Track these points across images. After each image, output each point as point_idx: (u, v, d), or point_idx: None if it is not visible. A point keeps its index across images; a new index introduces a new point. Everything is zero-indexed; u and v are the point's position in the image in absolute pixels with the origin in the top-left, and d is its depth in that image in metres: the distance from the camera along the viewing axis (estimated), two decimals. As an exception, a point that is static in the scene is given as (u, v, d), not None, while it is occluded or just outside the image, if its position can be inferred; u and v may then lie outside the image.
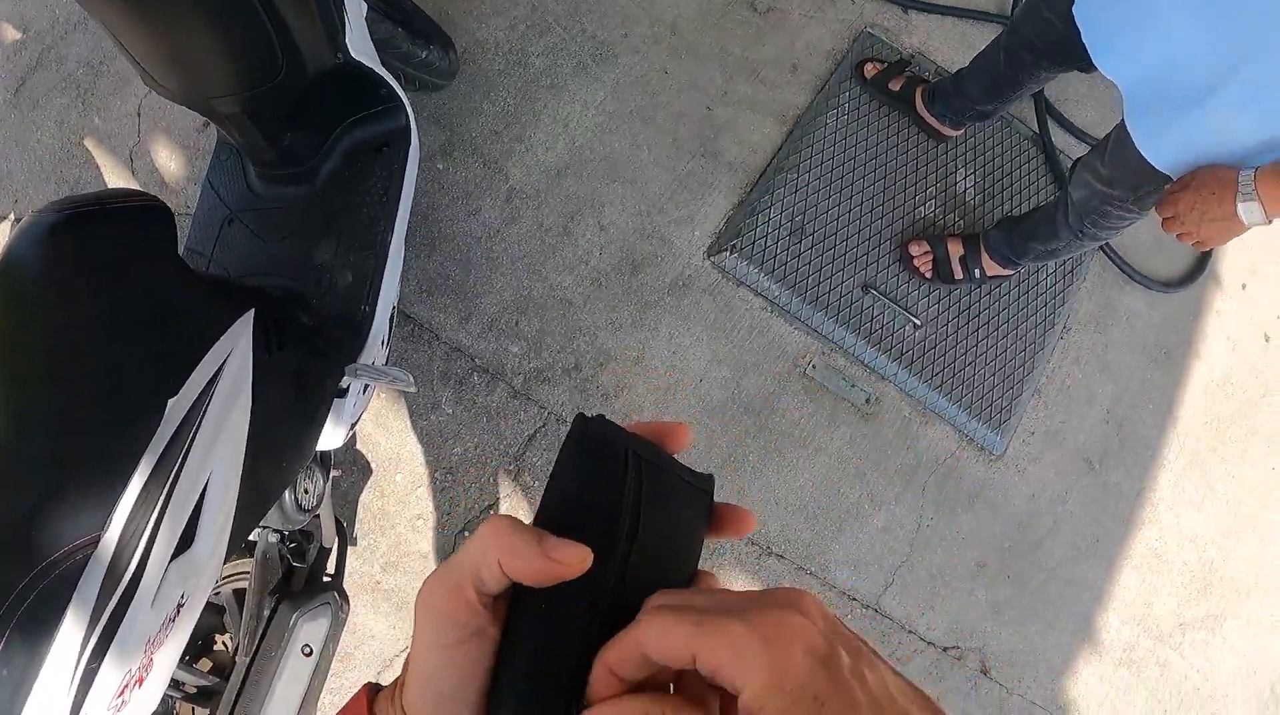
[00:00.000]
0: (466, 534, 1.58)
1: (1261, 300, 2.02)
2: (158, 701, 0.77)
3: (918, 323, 1.69)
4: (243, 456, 0.81)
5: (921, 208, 1.74)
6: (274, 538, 1.23)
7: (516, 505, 1.58)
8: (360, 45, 1.19)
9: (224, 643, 1.33)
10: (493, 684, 0.30)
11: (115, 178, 1.71)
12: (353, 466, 1.60)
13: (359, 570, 1.58)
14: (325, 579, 1.36)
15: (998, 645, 1.72)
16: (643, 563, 0.31)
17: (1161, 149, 1.05)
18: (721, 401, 1.63)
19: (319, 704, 1.30)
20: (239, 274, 1.26)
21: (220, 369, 0.78)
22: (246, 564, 1.20)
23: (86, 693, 0.63)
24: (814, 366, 1.66)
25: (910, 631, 1.68)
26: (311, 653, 1.26)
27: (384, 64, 1.32)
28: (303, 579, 1.31)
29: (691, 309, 1.64)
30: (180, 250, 1.31)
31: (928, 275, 1.69)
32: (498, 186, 1.65)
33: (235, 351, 0.81)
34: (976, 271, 1.67)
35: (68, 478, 0.60)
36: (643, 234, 1.66)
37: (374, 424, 1.60)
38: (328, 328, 1.22)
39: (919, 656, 1.68)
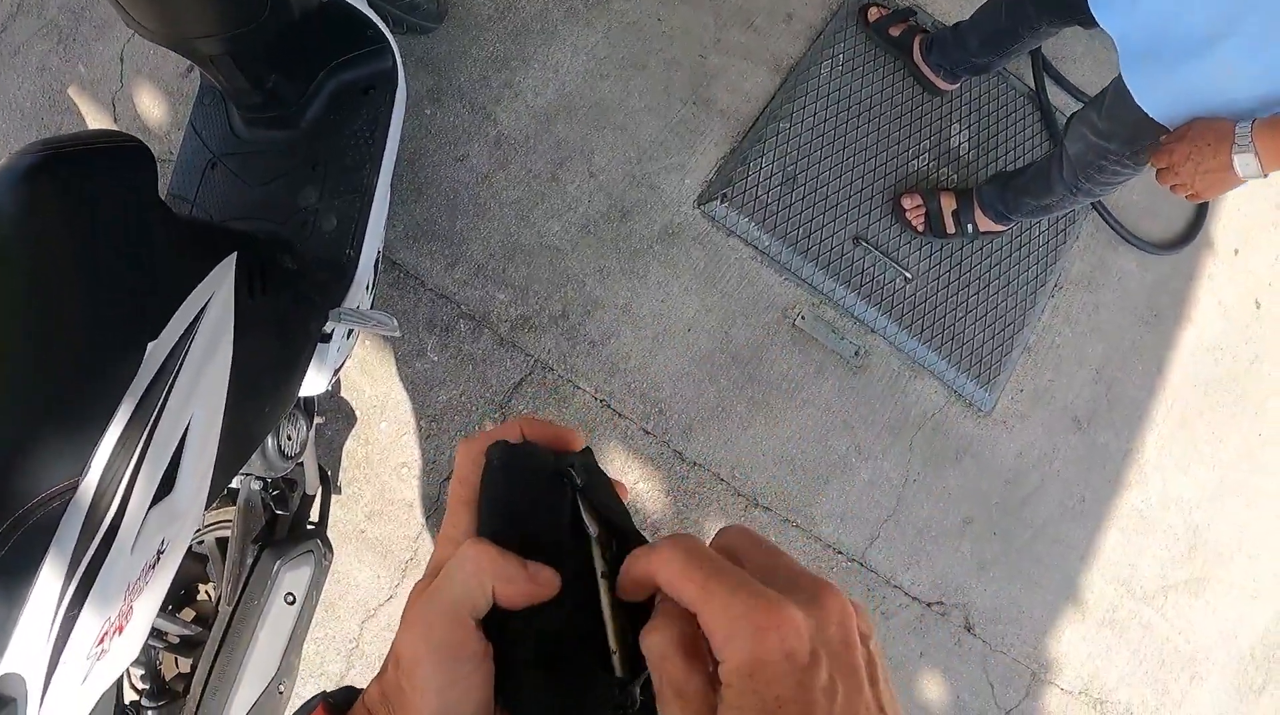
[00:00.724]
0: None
1: (1254, 266, 2.01)
2: (138, 649, 0.77)
3: (908, 276, 1.67)
4: (224, 401, 0.81)
5: (915, 161, 1.72)
6: (257, 485, 1.21)
7: (501, 453, 1.57)
8: (347, -15, 1.16)
9: (207, 592, 1.32)
10: (506, 699, 0.31)
11: (98, 123, 1.68)
12: (337, 414, 1.58)
13: (343, 519, 1.57)
14: (309, 527, 1.35)
15: (982, 602, 1.73)
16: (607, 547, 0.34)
17: (1159, 100, 1.04)
18: (709, 351, 1.62)
19: (303, 653, 1.30)
20: (222, 218, 1.25)
21: (202, 312, 0.76)
22: (229, 512, 1.19)
23: (66, 640, 0.62)
24: (803, 318, 1.65)
25: (895, 586, 1.68)
26: (295, 601, 1.25)
27: (371, 5, 1.29)
28: (286, 527, 1.30)
29: (681, 258, 1.63)
30: (163, 195, 1.30)
31: (920, 229, 1.68)
32: (486, 132, 1.62)
33: (217, 295, 0.80)
34: (969, 226, 1.66)
35: (45, 422, 0.59)
36: (633, 181, 1.63)
37: (359, 371, 1.58)
38: (311, 272, 1.20)
39: (903, 611, 1.68)
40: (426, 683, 0.29)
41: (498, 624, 0.31)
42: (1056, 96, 1.88)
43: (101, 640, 0.68)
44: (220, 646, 1.13)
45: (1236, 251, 2.00)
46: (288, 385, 1.07)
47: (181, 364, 0.72)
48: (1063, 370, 1.80)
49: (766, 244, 1.63)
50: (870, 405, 1.68)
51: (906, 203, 1.68)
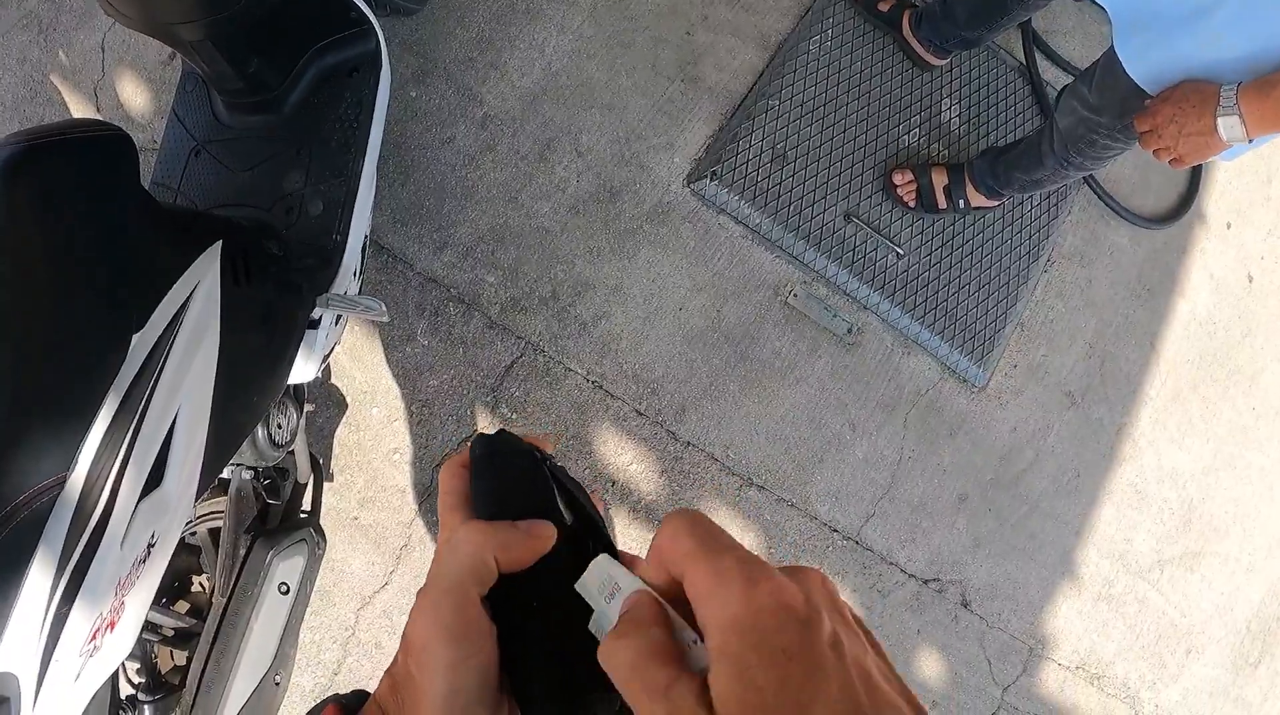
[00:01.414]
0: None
1: (1246, 240, 2.01)
2: (131, 645, 0.76)
3: (900, 252, 1.66)
4: (211, 392, 0.80)
5: (906, 137, 1.71)
6: (248, 475, 1.20)
7: (494, 437, 1.56)
8: (328, -33, 1.15)
9: (201, 583, 1.31)
10: (511, 670, 0.32)
11: (81, 114, 1.66)
12: (327, 401, 1.57)
13: (335, 506, 1.56)
14: (301, 516, 1.34)
15: (978, 578, 1.73)
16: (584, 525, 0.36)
17: (1148, 70, 1.03)
18: (701, 330, 1.61)
19: (298, 642, 1.29)
20: (207, 205, 1.23)
21: (187, 302, 0.75)
22: (221, 502, 1.18)
23: (58, 638, 0.62)
24: (795, 295, 1.64)
25: (891, 563, 1.67)
26: (289, 590, 1.24)
27: (353, -14, 1.27)
28: (278, 516, 1.29)
29: (671, 237, 1.61)
30: (146, 183, 1.28)
31: (911, 204, 1.67)
32: (472, 113, 1.61)
33: (202, 284, 0.79)
34: (961, 202, 1.65)
35: (29, 418, 0.58)
36: (621, 160, 1.62)
37: (348, 357, 1.57)
38: (297, 258, 1.19)
39: (899, 589, 1.68)
40: (436, 662, 0.30)
41: (500, 603, 0.32)
42: (1047, 71, 1.87)
43: (94, 637, 0.67)
44: (215, 638, 1.12)
45: (1229, 226, 2.00)
46: (276, 373, 1.06)
47: (167, 355, 0.71)
48: (1056, 345, 1.79)
49: (757, 222, 1.62)
50: (864, 382, 1.67)
51: (898, 179, 1.67)
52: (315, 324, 1.13)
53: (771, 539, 1.63)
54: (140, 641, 1.11)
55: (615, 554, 0.33)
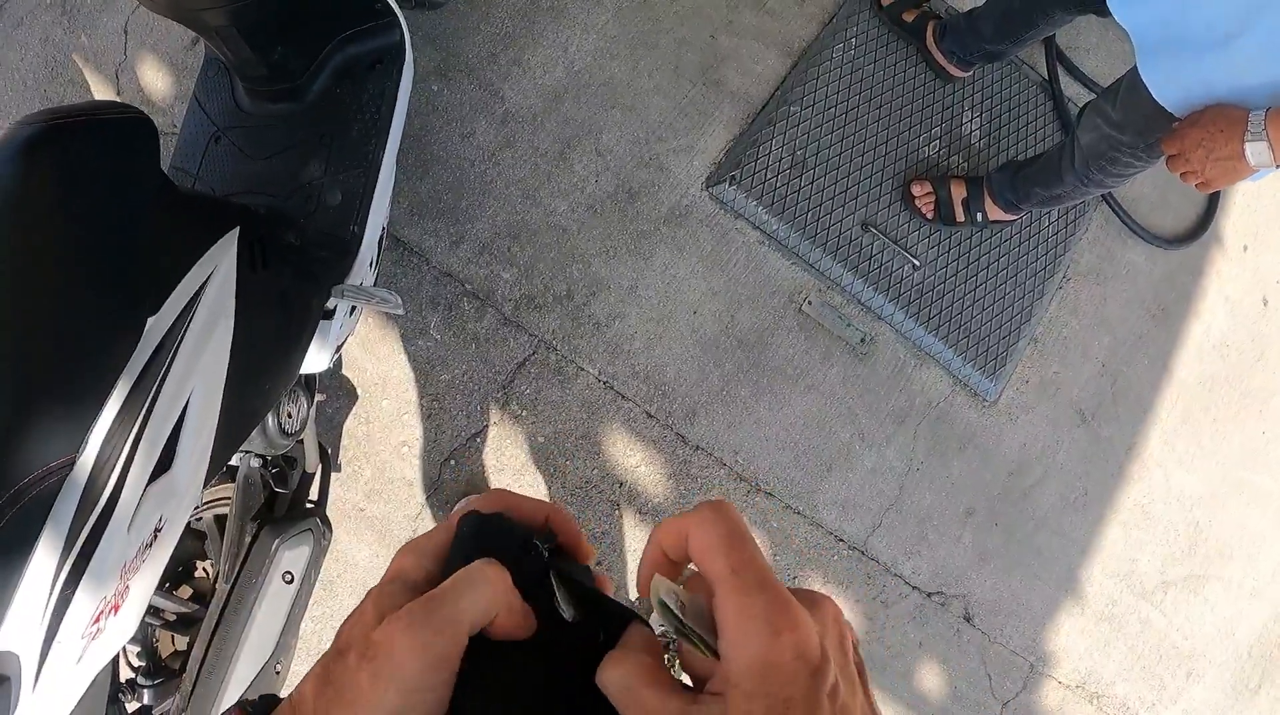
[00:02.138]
0: (453, 462, 1.56)
1: (1263, 264, 2.00)
2: (134, 629, 0.76)
3: (917, 264, 1.66)
4: (224, 378, 0.79)
5: (925, 148, 1.71)
6: (256, 462, 1.20)
7: (503, 434, 1.56)
8: (354, -45, 1.15)
9: (205, 570, 1.31)
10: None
11: (101, 96, 1.66)
12: (338, 392, 1.57)
13: (342, 497, 1.56)
14: (308, 505, 1.34)
15: (982, 593, 1.72)
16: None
17: (1174, 93, 1.03)
18: (715, 334, 1.60)
19: (300, 632, 1.29)
20: (225, 192, 1.23)
21: (202, 287, 0.75)
22: (228, 489, 1.18)
23: (61, 619, 0.61)
24: (810, 303, 1.64)
25: (896, 575, 1.67)
26: (293, 580, 1.24)
27: (378, -23, 1.27)
28: (285, 505, 1.29)
29: (688, 240, 1.61)
30: (165, 168, 1.28)
31: (929, 216, 1.67)
32: (493, 109, 1.61)
33: (218, 269, 0.79)
34: (979, 215, 1.65)
35: (41, 398, 0.57)
36: (641, 162, 1.62)
37: (360, 349, 1.57)
38: (314, 247, 1.19)
39: (903, 601, 1.68)
40: (401, 680, 0.28)
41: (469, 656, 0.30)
42: (1069, 87, 1.86)
43: (97, 620, 0.67)
44: (217, 624, 1.12)
45: (1246, 248, 1.99)
46: (289, 362, 1.06)
47: (181, 340, 0.71)
48: (1068, 362, 1.79)
49: (774, 228, 1.62)
50: (875, 393, 1.67)
51: (916, 190, 1.66)
52: (330, 314, 1.13)
53: (777, 546, 1.63)
54: (142, 625, 1.10)
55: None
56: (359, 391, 1.57)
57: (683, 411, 1.59)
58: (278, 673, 1.22)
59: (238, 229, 0.84)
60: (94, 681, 0.74)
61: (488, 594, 0.30)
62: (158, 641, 1.20)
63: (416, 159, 1.58)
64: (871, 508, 1.66)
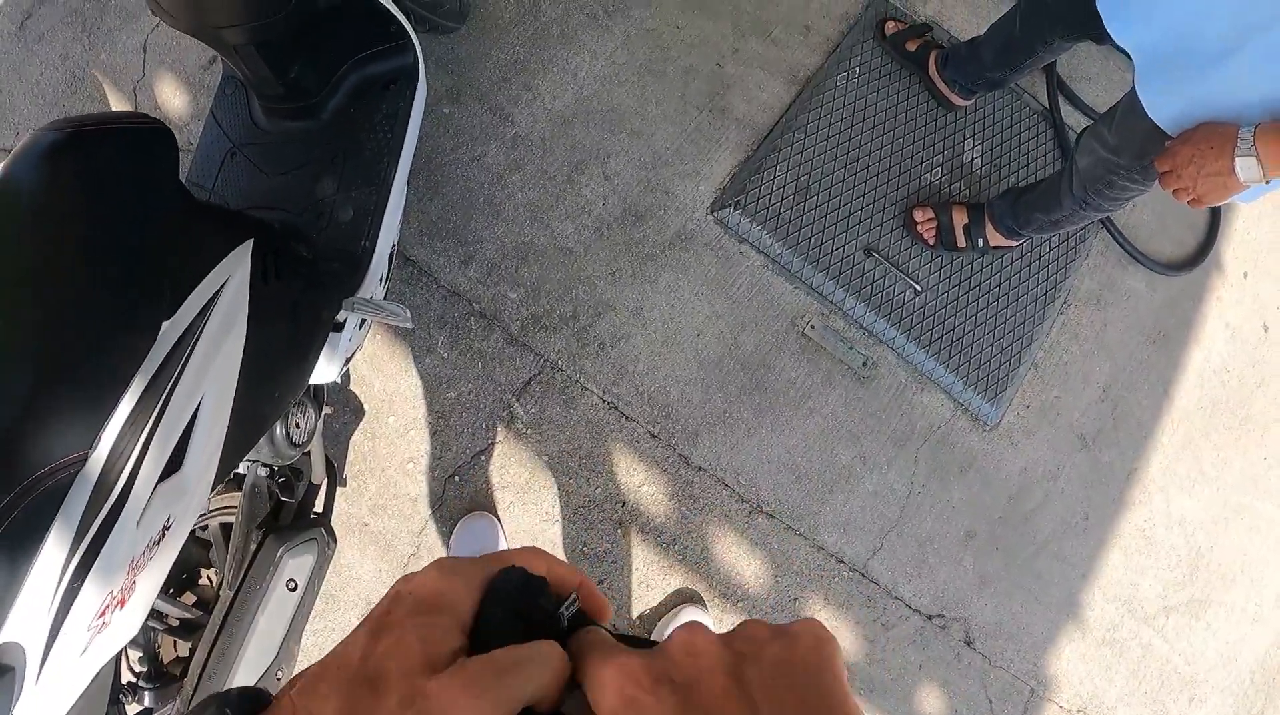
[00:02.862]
0: (458, 479, 1.58)
1: (1263, 290, 2.01)
2: (139, 626, 0.77)
3: (918, 289, 1.68)
4: (235, 383, 0.81)
5: (927, 175, 1.73)
6: (263, 471, 1.22)
7: (508, 452, 1.58)
8: (371, -22, 1.18)
9: (209, 577, 1.32)
10: None
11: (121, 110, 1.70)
12: (345, 407, 1.59)
13: (347, 511, 1.58)
14: (313, 515, 1.35)
15: (982, 616, 1.72)
16: None
17: (1170, 113, 1.05)
18: (718, 357, 1.62)
19: (302, 643, 1.30)
20: (239, 207, 1.26)
21: (217, 295, 0.77)
22: (234, 498, 1.20)
23: (68, 611, 0.62)
24: (812, 327, 1.66)
25: (896, 598, 1.68)
26: (296, 588, 1.25)
27: (395, 1, 1.31)
28: (291, 514, 1.31)
29: (692, 263, 1.64)
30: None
31: (931, 242, 1.69)
32: (503, 133, 1.64)
33: (233, 278, 0.81)
34: (980, 241, 1.67)
35: (57, 394, 0.59)
36: (647, 186, 1.65)
37: (368, 366, 1.59)
38: (326, 262, 1.21)
39: (903, 623, 1.68)
40: None
41: None
42: (1070, 116, 1.89)
43: (103, 613, 0.68)
44: (220, 630, 1.13)
45: (1246, 275, 2.00)
46: (299, 371, 1.08)
47: (195, 344, 0.73)
48: (1069, 387, 1.80)
49: (778, 252, 1.64)
50: (876, 416, 1.68)
51: (918, 216, 1.69)
52: (340, 327, 1.15)
53: (778, 567, 1.63)
54: (145, 630, 1.11)
55: None
56: (366, 407, 1.59)
57: (686, 432, 1.61)
58: (279, 679, 1.23)
59: (252, 240, 0.86)
60: (96, 678, 0.75)
61: (550, 678, 0.29)
62: (160, 646, 1.21)
63: (427, 180, 1.62)
64: (872, 530, 1.67)
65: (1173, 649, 1.84)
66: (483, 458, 1.58)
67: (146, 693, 1.15)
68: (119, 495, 0.65)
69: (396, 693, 0.27)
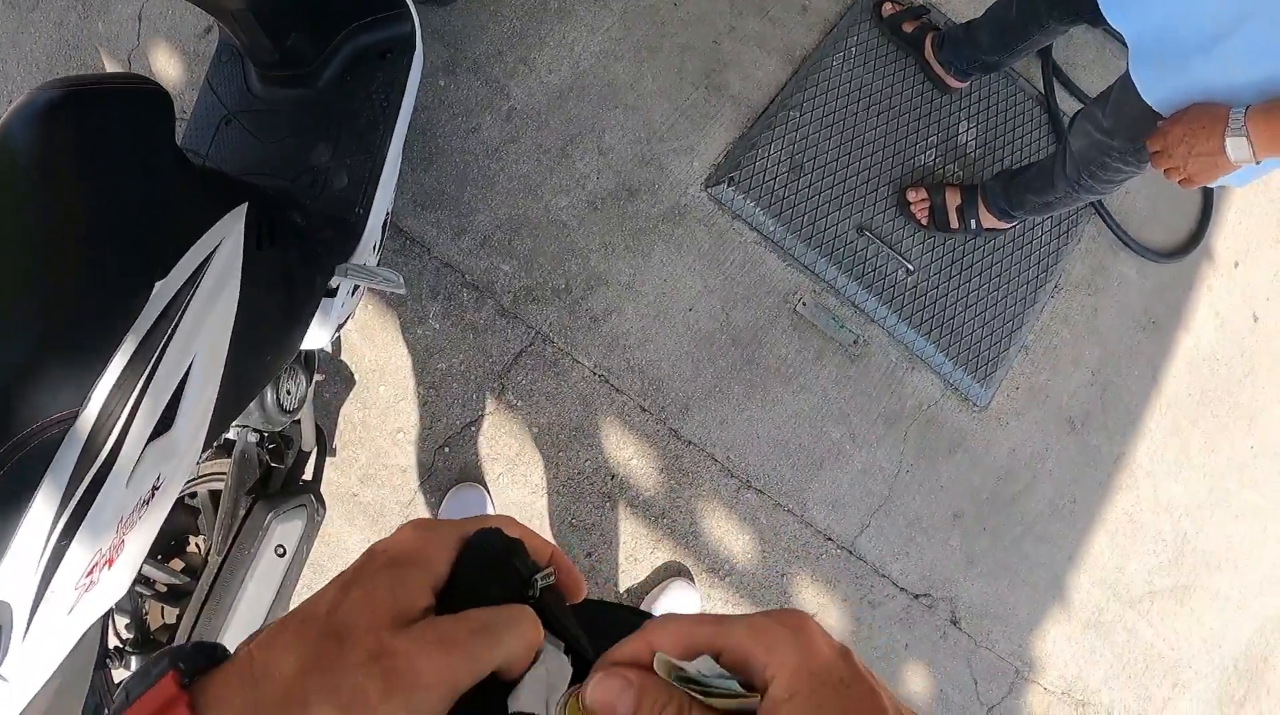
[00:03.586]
0: (448, 450, 1.58)
1: (1253, 280, 2.03)
2: (127, 586, 0.77)
3: (910, 268, 1.69)
4: (227, 345, 0.81)
5: (922, 155, 1.74)
6: (253, 438, 1.22)
7: (498, 423, 1.58)
8: (369, -53, 1.18)
9: (197, 545, 1.32)
10: None
11: (114, 79, 1.69)
12: (336, 377, 1.59)
13: (336, 481, 1.58)
14: (302, 483, 1.36)
15: (969, 596, 1.73)
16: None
17: (1163, 94, 1.06)
18: (709, 332, 1.63)
19: (289, 607, 1.30)
20: (234, 173, 1.26)
21: (210, 257, 0.77)
22: (224, 464, 1.20)
23: (55, 569, 0.63)
24: (804, 304, 1.66)
25: (883, 576, 1.68)
26: (285, 553, 1.25)
27: (392, -30, 1.30)
28: (280, 481, 1.31)
29: (685, 238, 1.64)
30: (176, 146, 1.31)
31: (924, 222, 1.69)
32: (499, 105, 1.64)
33: (226, 242, 0.81)
34: (973, 222, 1.67)
35: (48, 351, 0.59)
36: (641, 161, 1.65)
37: (359, 336, 1.59)
38: (320, 229, 1.21)
39: (890, 602, 1.69)
40: (419, 709, 0.26)
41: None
42: (1064, 102, 1.89)
43: (91, 572, 0.68)
44: (208, 595, 1.13)
45: (1236, 264, 2.01)
46: (290, 336, 1.08)
47: (187, 305, 0.73)
48: (1059, 371, 1.81)
49: (771, 229, 1.64)
50: (867, 394, 1.69)
51: (912, 196, 1.69)
52: (332, 293, 1.15)
53: (766, 543, 1.64)
54: (132, 595, 1.11)
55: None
56: (356, 377, 1.59)
57: (676, 407, 1.61)
58: (266, 645, 1.22)
59: (246, 205, 0.86)
60: (83, 641, 0.75)
61: (524, 643, 0.29)
62: (147, 612, 1.21)
63: (421, 151, 1.61)
64: (861, 508, 1.67)
65: (1157, 634, 1.86)
66: (473, 429, 1.58)
67: (133, 658, 1.15)
68: (109, 453, 0.65)
69: (363, 647, 0.26)
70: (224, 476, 1.19)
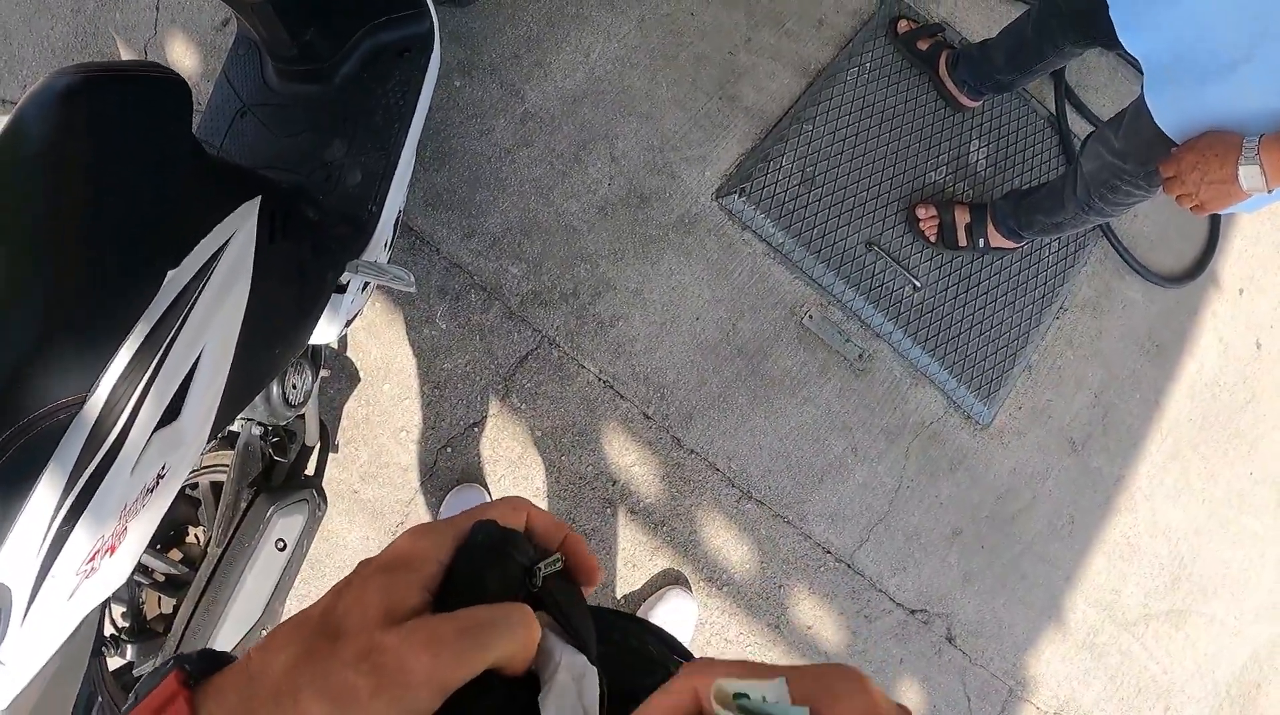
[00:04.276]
0: (450, 450, 1.58)
1: (1257, 307, 2.03)
2: (127, 574, 0.77)
3: (918, 285, 1.69)
4: (236, 337, 0.81)
5: (932, 173, 1.75)
6: (257, 431, 1.22)
7: (501, 425, 1.58)
8: (391, -55, 1.19)
9: (197, 535, 1.32)
10: None
11: (129, 69, 1.69)
12: (341, 373, 1.59)
13: (338, 478, 1.58)
14: (304, 477, 1.36)
15: (965, 614, 1.73)
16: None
17: (1177, 119, 1.06)
18: (715, 341, 1.63)
19: (287, 605, 1.30)
20: (247, 166, 1.26)
21: (223, 248, 0.77)
22: (227, 456, 1.20)
23: (57, 554, 0.63)
24: (810, 317, 1.66)
25: (880, 590, 1.68)
26: (285, 547, 1.25)
27: (412, -31, 1.31)
28: (282, 474, 1.31)
29: (695, 247, 1.64)
30: (190, 138, 1.31)
31: (932, 239, 1.70)
32: (513, 108, 1.64)
33: (239, 233, 0.81)
34: (981, 241, 1.68)
35: (56, 336, 0.59)
36: (653, 169, 1.65)
37: (366, 333, 1.59)
38: (332, 224, 1.21)
39: (886, 617, 1.69)
40: (410, 708, 0.26)
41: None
42: (1075, 123, 1.90)
43: (93, 558, 0.68)
44: (206, 586, 1.13)
45: (1241, 291, 2.02)
46: (299, 330, 1.08)
47: (199, 295, 0.73)
48: (1062, 391, 1.81)
49: (780, 241, 1.65)
50: (870, 409, 1.69)
51: (921, 213, 1.70)
52: (342, 289, 1.15)
53: (765, 555, 1.64)
54: (129, 584, 1.11)
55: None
56: (361, 375, 1.60)
57: (680, 415, 1.61)
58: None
59: (259, 198, 0.86)
60: (80, 627, 0.74)
61: (519, 642, 0.29)
62: (144, 601, 1.21)
63: (435, 151, 1.62)
64: (860, 522, 1.68)
65: (1151, 657, 1.86)
66: (476, 430, 1.58)
67: (129, 646, 1.15)
68: (115, 440, 0.65)
69: (354, 644, 0.26)
70: (226, 468, 1.19)
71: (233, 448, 1.19)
